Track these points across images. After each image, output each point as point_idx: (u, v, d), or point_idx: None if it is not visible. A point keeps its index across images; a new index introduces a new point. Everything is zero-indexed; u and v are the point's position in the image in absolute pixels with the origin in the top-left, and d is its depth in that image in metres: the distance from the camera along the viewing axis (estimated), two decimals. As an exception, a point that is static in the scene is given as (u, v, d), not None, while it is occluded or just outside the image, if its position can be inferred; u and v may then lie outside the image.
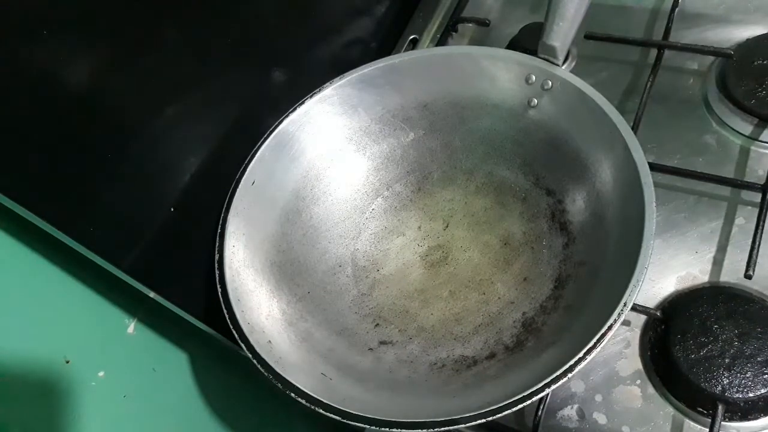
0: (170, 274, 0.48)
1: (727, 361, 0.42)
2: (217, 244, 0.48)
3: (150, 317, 0.51)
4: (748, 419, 0.42)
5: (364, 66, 0.54)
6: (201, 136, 0.51)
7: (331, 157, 0.55)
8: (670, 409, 0.44)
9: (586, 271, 0.45)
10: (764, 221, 0.45)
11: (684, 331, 0.44)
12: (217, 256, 0.47)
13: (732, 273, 0.47)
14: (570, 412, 0.45)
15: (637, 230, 0.40)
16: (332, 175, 0.55)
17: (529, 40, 0.57)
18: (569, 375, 0.36)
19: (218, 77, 0.52)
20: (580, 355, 0.37)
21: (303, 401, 0.40)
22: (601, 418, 0.44)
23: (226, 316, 0.44)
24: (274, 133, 0.52)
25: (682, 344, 0.43)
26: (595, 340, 0.37)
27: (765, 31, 0.55)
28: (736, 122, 0.52)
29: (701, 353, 0.43)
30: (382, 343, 0.49)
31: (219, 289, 0.45)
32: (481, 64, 0.52)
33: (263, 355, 0.42)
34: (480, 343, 0.47)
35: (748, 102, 0.51)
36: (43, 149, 0.41)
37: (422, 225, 0.55)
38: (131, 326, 0.50)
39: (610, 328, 0.37)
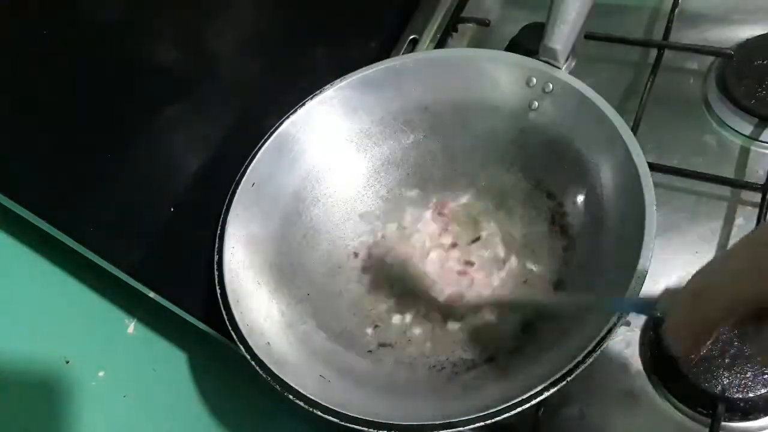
0: (170, 274, 0.48)
1: (727, 361, 0.42)
2: (217, 245, 0.47)
3: (150, 317, 0.51)
4: (748, 419, 0.42)
5: (365, 68, 0.54)
6: (201, 136, 0.51)
7: (331, 158, 0.55)
8: (670, 409, 0.44)
9: (586, 274, 0.45)
10: (764, 221, 0.45)
11: (683, 333, 0.44)
12: (216, 258, 0.47)
13: (732, 274, 0.47)
14: (570, 412, 0.45)
15: (638, 232, 0.40)
16: (332, 176, 0.55)
17: (529, 40, 0.57)
18: (568, 378, 0.36)
19: (218, 77, 0.52)
20: (580, 358, 0.36)
21: (301, 403, 0.40)
22: (601, 419, 0.45)
23: (225, 317, 0.44)
24: (274, 135, 0.52)
25: (682, 345, 0.43)
26: (594, 343, 0.37)
27: (765, 31, 0.55)
28: (736, 122, 0.52)
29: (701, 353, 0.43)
30: (382, 345, 0.49)
31: (218, 291, 0.45)
32: (482, 66, 0.52)
33: (262, 357, 0.42)
34: (479, 346, 0.47)
35: (748, 102, 0.51)
36: (43, 149, 0.41)
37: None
38: (131, 326, 0.50)
39: (610, 331, 0.37)
